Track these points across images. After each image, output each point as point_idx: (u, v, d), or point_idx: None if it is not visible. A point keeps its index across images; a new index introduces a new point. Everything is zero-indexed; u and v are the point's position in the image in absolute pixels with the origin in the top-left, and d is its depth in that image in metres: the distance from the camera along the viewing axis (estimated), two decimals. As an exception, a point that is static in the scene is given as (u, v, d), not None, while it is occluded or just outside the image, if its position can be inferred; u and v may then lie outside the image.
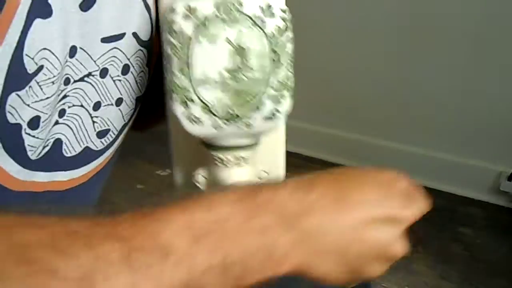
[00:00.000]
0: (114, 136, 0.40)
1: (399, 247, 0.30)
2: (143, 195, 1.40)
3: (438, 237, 1.34)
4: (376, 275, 0.30)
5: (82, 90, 0.35)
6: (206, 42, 0.33)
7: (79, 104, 0.35)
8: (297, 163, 1.73)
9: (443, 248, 1.29)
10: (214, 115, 0.35)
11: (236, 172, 0.39)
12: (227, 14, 0.33)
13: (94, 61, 0.35)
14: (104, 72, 0.36)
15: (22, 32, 0.27)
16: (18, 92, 0.28)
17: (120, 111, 0.39)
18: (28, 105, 0.29)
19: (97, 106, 0.37)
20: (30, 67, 0.28)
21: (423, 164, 1.59)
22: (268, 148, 0.44)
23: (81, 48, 0.33)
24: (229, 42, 0.33)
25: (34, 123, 0.30)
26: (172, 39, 0.34)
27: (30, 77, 0.29)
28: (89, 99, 0.36)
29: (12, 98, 0.28)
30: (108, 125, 0.39)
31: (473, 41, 1.42)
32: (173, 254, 0.22)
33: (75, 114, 0.35)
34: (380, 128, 1.67)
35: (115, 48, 0.36)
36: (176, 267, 0.22)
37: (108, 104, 0.38)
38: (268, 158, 0.45)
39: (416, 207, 0.31)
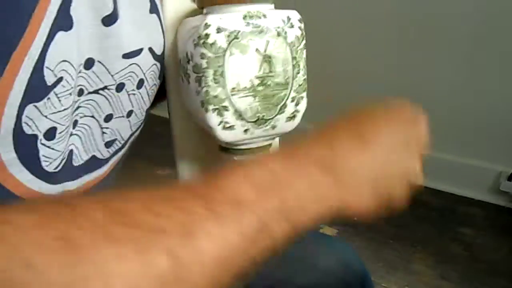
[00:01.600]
0: (120, 145, 0.40)
1: (417, 168, 0.34)
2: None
3: (438, 237, 1.34)
4: (401, 197, 0.33)
5: (95, 102, 0.35)
6: (239, 52, 0.36)
7: (90, 115, 0.35)
8: (297, 163, 1.73)
9: (443, 248, 1.29)
10: (245, 120, 0.38)
11: None
12: (255, 26, 0.36)
13: (112, 76, 0.35)
14: (120, 87, 0.36)
15: (45, 44, 0.27)
16: (36, 104, 0.28)
17: (129, 122, 0.40)
18: (46, 116, 0.29)
19: (108, 118, 0.37)
20: (50, 79, 0.28)
21: (423, 164, 1.59)
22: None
23: (99, 61, 0.33)
24: (258, 51, 0.37)
25: (50, 134, 0.30)
26: (206, 52, 0.36)
27: (49, 89, 0.29)
28: (101, 111, 0.36)
29: (29, 110, 0.28)
30: (116, 135, 0.39)
31: (473, 41, 1.42)
32: (244, 204, 0.25)
33: (85, 124, 0.35)
34: (380, 128, 1.67)
35: (134, 64, 0.37)
36: (250, 215, 0.25)
37: (120, 116, 0.38)
38: None
39: (420, 129, 0.36)
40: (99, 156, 0.38)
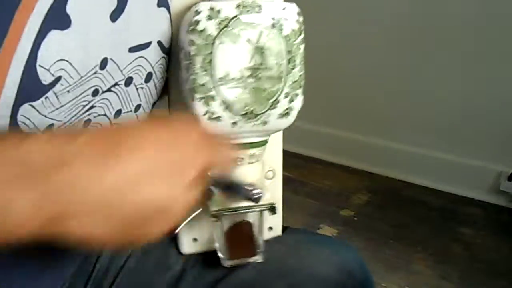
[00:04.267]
0: None
1: (184, 201, 0.27)
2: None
3: (438, 237, 1.34)
4: (158, 235, 0.27)
5: (108, 100, 0.35)
6: (229, 41, 0.35)
7: (103, 113, 0.35)
8: (297, 163, 1.73)
9: (443, 248, 1.29)
10: (233, 112, 0.36)
11: (249, 169, 0.40)
12: (249, 16, 0.35)
13: (121, 71, 0.35)
14: (128, 81, 0.36)
15: (34, 43, 0.27)
16: (33, 103, 0.28)
17: (136, 116, 0.40)
18: (45, 116, 0.29)
19: (118, 113, 0.37)
20: (46, 78, 0.28)
21: (423, 164, 1.59)
22: (267, 146, 0.45)
23: (111, 59, 0.33)
24: (250, 42, 0.35)
25: (48, 130, 0.30)
26: (196, 39, 0.35)
27: (46, 88, 0.28)
28: (112, 107, 0.36)
29: (26, 109, 0.28)
30: None
31: (473, 41, 1.42)
32: None
33: (98, 123, 0.35)
34: (381, 128, 1.67)
35: (141, 57, 0.36)
36: None
37: (128, 111, 0.38)
38: (267, 157, 0.45)
39: (202, 156, 0.28)
40: None
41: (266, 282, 0.45)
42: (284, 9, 0.36)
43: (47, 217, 0.23)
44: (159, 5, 0.37)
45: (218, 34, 0.35)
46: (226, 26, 0.35)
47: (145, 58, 0.37)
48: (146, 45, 0.36)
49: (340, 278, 0.46)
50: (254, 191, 0.34)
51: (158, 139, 0.26)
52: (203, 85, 0.35)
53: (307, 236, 0.52)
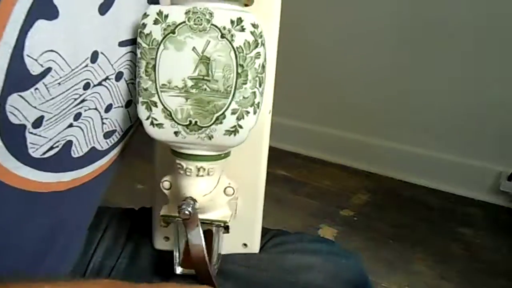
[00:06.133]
0: (119, 137, 0.40)
1: None
2: (143, 195, 1.40)
3: (438, 237, 1.34)
4: None
5: (99, 94, 0.35)
6: (173, 48, 0.34)
7: (94, 107, 0.35)
8: (297, 163, 1.73)
9: (443, 248, 1.29)
10: (176, 122, 0.35)
11: (197, 182, 0.38)
12: (197, 23, 0.33)
13: (112, 65, 0.35)
14: (119, 76, 0.36)
15: (20, 31, 0.27)
16: (21, 93, 0.28)
17: (128, 112, 0.40)
18: (35, 107, 0.29)
19: (108, 108, 0.37)
20: (34, 69, 0.28)
21: (423, 164, 1.59)
22: (246, 162, 0.44)
23: (101, 52, 0.33)
24: (195, 51, 0.34)
25: (38, 122, 0.30)
26: (141, 42, 0.34)
27: (35, 79, 0.28)
28: (103, 102, 0.36)
29: (14, 98, 0.28)
30: (115, 126, 0.39)
31: (473, 41, 1.42)
32: None
33: (89, 117, 0.35)
34: (380, 128, 1.67)
35: (131, 52, 0.36)
36: None
37: (119, 106, 0.38)
38: (246, 172, 0.45)
39: None
40: (98, 147, 0.38)
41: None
42: (238, 18, 0.34)
43: None
44: (149, 2, 0.37)
45: (163, 39, 0.34)
46: (172, 32, 0.34)
47: (135, 53, 0.37)
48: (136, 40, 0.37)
49: (339, 284, 0.45)
50: (182, 206, 0.35)
51: None
52: (146, 89, 0.35)
53: (304, 242, 0.51)
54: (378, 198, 1.54)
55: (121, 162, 0.43)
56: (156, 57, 0.34)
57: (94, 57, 0.33)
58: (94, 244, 0.49)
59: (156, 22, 0.34)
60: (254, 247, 0.49)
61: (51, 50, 0.29)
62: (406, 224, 1.38)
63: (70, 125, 0.34)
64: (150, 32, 0.34)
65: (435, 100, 1.53)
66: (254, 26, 0.34)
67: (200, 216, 0.38)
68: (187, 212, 0.36)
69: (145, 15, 0.34)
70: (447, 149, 1.55)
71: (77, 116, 0.34)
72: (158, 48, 0.34)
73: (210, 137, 0.36)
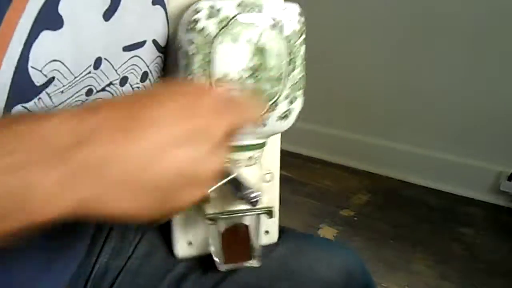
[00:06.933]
0: None
1: (211, 165, 0.26)
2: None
3: (438, 237, 1.34)
4: (191, 202, 0.26)
5: (102, 99, 0.35)
6: (229, 41, 0.34)
7: None
8: (297, 163, 1.73)
9: (443, 248, 1.29)
10: None
11: (246, 172, 0.39)
12: (249, 15, 0.34)
13: (116, 70, 0.35)
14: (124, 81, 0.36)
15: (25, 44, 0.27)
16: (25, 104, 0.28)
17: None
18: None
19: None
20: (38, 79, 0.28)
21: (423, 164, 1.59)
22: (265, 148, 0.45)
23: (105, 58, 0.33)
24: (250, 42, 0.35)
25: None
26: (194, 38, 0.34)
27: (39, 89, 0.28)
28: None
29: (18, 110, 0.28)
30: None
31: (473, 41, 1.42)
32: None
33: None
34: (380, 128, 1.67)
35: (135, 56, 0.36)
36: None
37: None
38: (265, 159, 0.45)
39: (224, 119, 0.27)
40: None
41: (266, 286, 0.45)
42: (285, 9, 0.36)
43: (72, 198, 0.22)
44: (154, 3, 0.37)
45: (218, 33, 0.34)
46: (226, 25, 0.34)
47: (140, 57, 0.36)
48: (141, 44, 0.36)
49: (341, 280, 0.46)
50: (252, 194, 0.34)
51: (177, 106, 0.25)
52: None
53: (307, 238, 0.52)
54: (378, 198, 1.54)
55: None
56: (211, 51, 0.34)
57: (97, 63, 0.32)
58: (99, 244, 0.48)
59: (209, 16, 0.34)
60: (274, 234, 0.49)
61: (55, 60, 0.29)
62: (406, 224, 1.38)
63: None
64: (204, 27, 0.34)
65: (435, 100, 1.53)
66: (300, 15, 0.36)
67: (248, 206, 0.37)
68: (259, 197, 0.34)
69: (196, 11, 0.34)
70: (447, 149, 1.55)
71: None
72: (213, 42, 0.34)
73: (264, 125, 0.37)
